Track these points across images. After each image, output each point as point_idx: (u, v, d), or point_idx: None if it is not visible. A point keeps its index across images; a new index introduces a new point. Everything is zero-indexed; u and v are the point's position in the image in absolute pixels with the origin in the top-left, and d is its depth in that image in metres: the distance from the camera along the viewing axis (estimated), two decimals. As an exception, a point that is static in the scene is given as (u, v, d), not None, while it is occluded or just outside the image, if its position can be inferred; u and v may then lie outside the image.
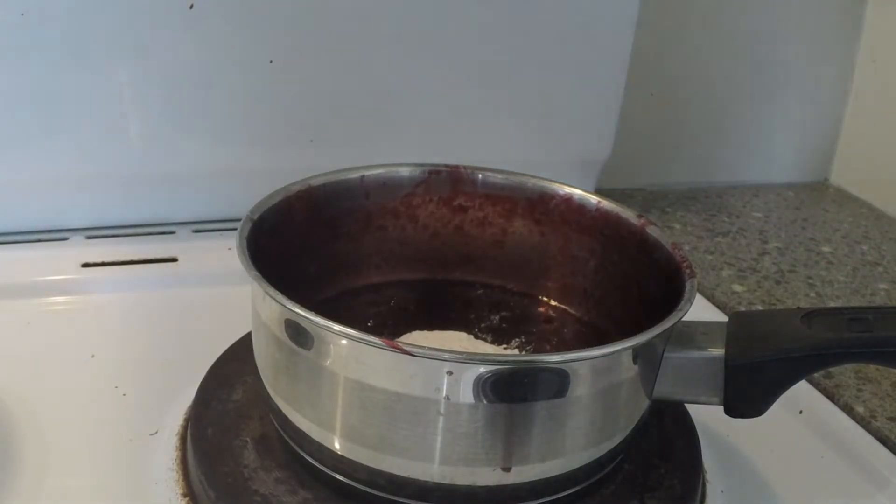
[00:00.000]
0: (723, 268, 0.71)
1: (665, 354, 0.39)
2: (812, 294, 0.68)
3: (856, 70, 0.86)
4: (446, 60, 0.66)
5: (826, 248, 0.76)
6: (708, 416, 0.47)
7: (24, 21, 0.57)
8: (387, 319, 0.50)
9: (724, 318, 0.42)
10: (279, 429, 0.41)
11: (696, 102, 0.83)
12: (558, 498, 0.39)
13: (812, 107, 0.87)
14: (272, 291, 0.37)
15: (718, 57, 0.82)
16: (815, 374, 0.54)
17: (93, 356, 0.51)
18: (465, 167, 0.50)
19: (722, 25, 0.81)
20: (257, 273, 0.38)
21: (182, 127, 0.62)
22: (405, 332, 0.48)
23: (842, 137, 0.89)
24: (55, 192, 0.62)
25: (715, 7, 0.80)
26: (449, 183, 0.50)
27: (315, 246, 0.48)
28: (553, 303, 0.51)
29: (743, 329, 0.40)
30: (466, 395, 0.35)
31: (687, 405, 0.47)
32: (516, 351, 0.49)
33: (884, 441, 0.51)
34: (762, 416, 0.41)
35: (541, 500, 0.39)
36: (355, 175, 0.48)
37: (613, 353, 0.37)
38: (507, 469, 0.37)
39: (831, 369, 0.56)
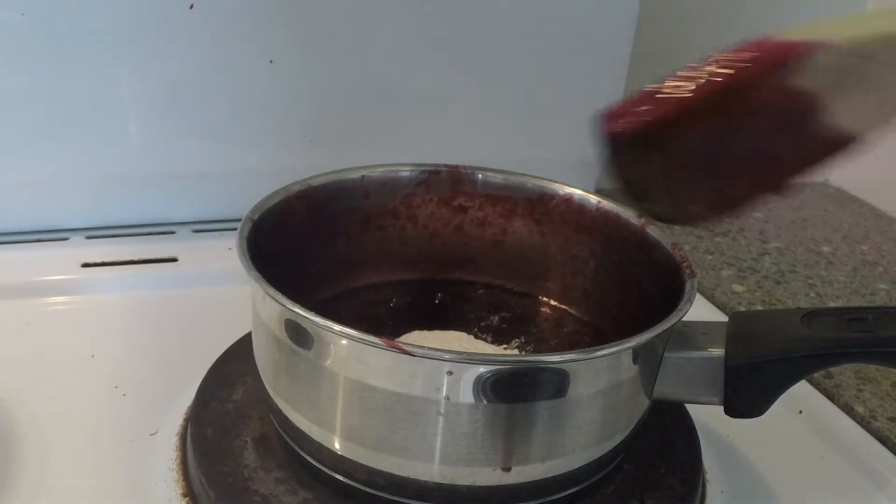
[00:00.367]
0: (723, 268, 0.71)
1: (665, 354, 0.39)
2: (812, 294, 0.68)
3: (856, 70, 0.86)
4: (446, 60, 0.66)
5: (826, 248, 0.76)
6: (708, 416, 0.47)
7: (24, 21, 0.57)
8: (387, 319, 0.50)
9: (724, 318, 0.42)
10: (279, 429, 0.41)
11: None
12: (558, 498, 0.39)
13: (812, 107, 0.87)
14: (272, 291, 0.37)
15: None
16: (815, 374, 0.54)
17: (93, 356, 0.51)
18: (465, 167, 0.50)
19: (721, 25, 0.81)
20: (257, 273, 0.38)
21: (182, 127, 0.63)
22: (405, 332, 0.48)
23: (842, 137, 0.89)
24: (55, 192, 0.62)
25: (714, 7, 0.80)
26: (449, 183, 0.50)
27: (315, 246, 0.48)
28: (553, 303, 0.51)
29: (743, 329, 0.40)
30: (466, 395, 0.35)
31: (687, 405, 0.47)
32: (516, 351, 0.49)
33: (884, 441, 0.51)
34: (762, 416, 0.41)
35: (541, 500, 0.39)
36: (355, 175, 0.48)
37: (613, 353, 0.37)
38: (507, 469, 0.37)
39: (831, 369, 0.56)
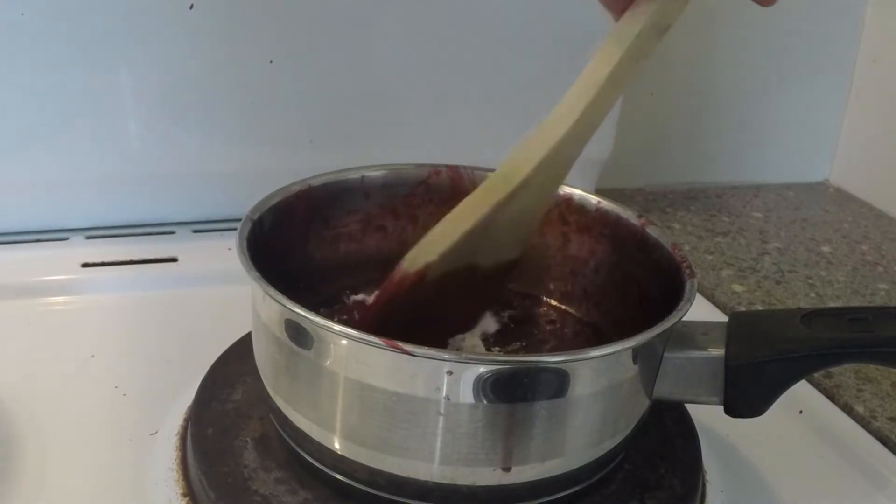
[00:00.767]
0: (723, 268, 0.71)
1: (665, 354, 0.39)
2: (812, 294, 0.68)
3: (856, 70, 0.86)
4: (446, 60, 0.66)
5: (826, 248, 0.76)
6: (708, 416, 0.47)
7: (24, 21, 0.57)
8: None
9: (724, 318, 0.42)
10: (279, 429, 0.41)
11: (696, 102, 0.84)
12: (558, 498, 0.39)
13: (812, 107, 0.87)
14: (272, 291, 0.37)
15: (718, 57, 0.82)
16: (815, 374, 0.54)
17: (93, 356, 0.51)
18: (465, 167, 0.50)
19: (721, 26, 0.81)
20: (257, 273, 0.38)
21: (182, 127, 0.62)
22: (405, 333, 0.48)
23: (842, 137, 0.89)
24: (55, 192, 0.62)
25: (714, 8, 0.80)
26: (449, 183, 0.50)
27: (315, 246, 0.48)
28: (553, 303, 0.51)
29: (743, 329, 0.40)
30: (466, 395, 0.35)
31: (687, 405, 0.47)
32: (516, 351, 0.49)
33: (884, 441, 0.51)
34: (762, 416, 0.41)
35: (541, 500, 0.39)
36: (355, 175, 0.48)
37: (613, 353, 0.37)
38: (507, 469, 0.37)
39: (831, 369, 0.56)
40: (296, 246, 0.46)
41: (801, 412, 0.52)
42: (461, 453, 0.36)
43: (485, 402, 0.35)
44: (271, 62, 0.62)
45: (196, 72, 0.61)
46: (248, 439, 0.42)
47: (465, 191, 0.50)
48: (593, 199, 0.48)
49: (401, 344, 0.34)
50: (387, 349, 0.35)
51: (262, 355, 0.41)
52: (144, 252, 0.62)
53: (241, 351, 0.48)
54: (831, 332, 0.40)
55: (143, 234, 0.64)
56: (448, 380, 0.35)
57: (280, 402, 0.40)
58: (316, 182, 0.47)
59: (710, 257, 0.72)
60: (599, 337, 0.48)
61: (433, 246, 0.41)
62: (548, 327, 0.50)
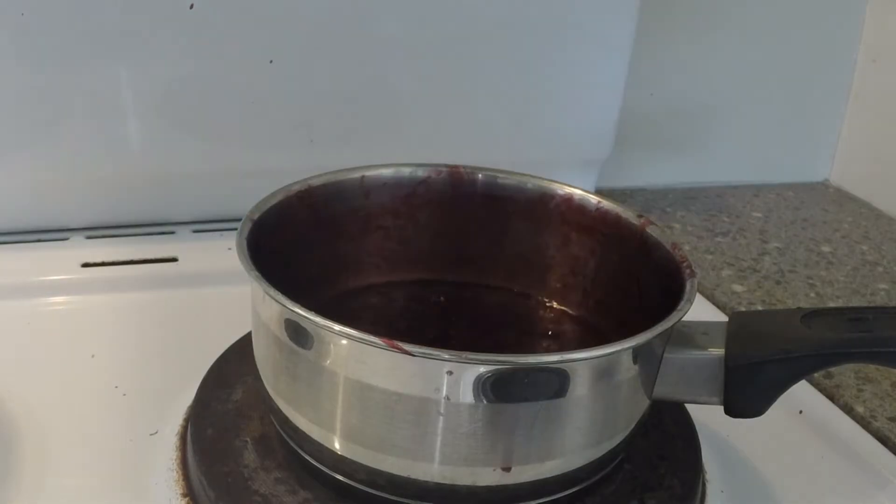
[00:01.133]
0: (723, 268, 0.71)
1: (665, 355, 0.39)
2: (812, 294, 0.68)
3: (856, 70, 0.86)
4: (446, 60, 0.66)
5: (826, 248, 0.76)
6: (708, 416, 0.47)
7: (24, 21, 0.57)
8: (387, 319, 0.50)
9: (724, 318, 0.42)
10: (279, 429, 0.41)
11: (696, 102, 0.83)
12: (558, 498, 0.39)
13: (812, 107, 0.87)
14: (272, 291, 0.37)
15: (718, 57, 0.82)
16: (815, 374, 0.54)
17: (93, 356, 0.51)
18: (465, 167, 0.50)
19: (721, 25, 0.81)
20: (257, 273, 0.38)
21: (182, 127, 0.62)
22: (405, 333, 0.48)
23: (842, 137, 0.89)
24: (55, 192, 0.63)
25: (714, 7, 0.80)
26: (449, 183, 0.50)
27: (315, 246, 0.48)
28: (553, 303, 0.51)
29: (743, 329, 0.40)
30: (466, 395, 0.35)
31: (687, 405, 0.47)
32: (516, 351, 0.49)
33: (884, 441, 0.51)
34: (762, 416, 0.41)
35: (541, 500, 0.39)
36: (355, 175, 0.48)
37: (613, 353, 0.37)
38: (507, 469, 0.37)
39: (831, 369, 0.56)
40: (296, 246, 0.46)
41: (801, 412, 0.52)
42: (461, 453, 0.36)
43: (485, 402, 0.35)
44: (271, 62, 0.62)
45: (196, 72, 0.61)
46: (248, 439, 0.42)
47: (465, 191, 0.50)
48: (593, 199, 0.48)
49: (401, 344, 0.34)
50: (387, 349, 0.35)
51: (262, 355, 0.41)
52: (144, 252, 0.61)
53: (241, 351, 0.48)
54: (831, 332, 0.40)
55: (143, 234, 0.64)
56: (448, 380, 0.35)
57: (280, 402, 0.40)
58: (316, 182, 0.47)
59: (710, 257, 0.72)
60: (599, 337, 0.48)
61: None
62: (548, 327, 0.50)
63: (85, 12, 0.57)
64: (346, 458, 0.38)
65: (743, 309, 0.64)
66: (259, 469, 0.41)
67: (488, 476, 0.37)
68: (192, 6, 0.59)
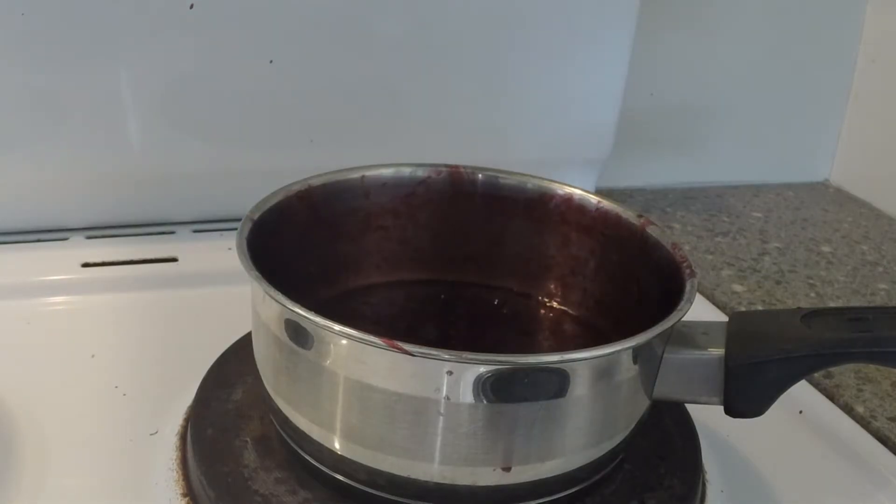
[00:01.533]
0: (723, 268, 0.71)
1: (665, 355, 0.39)
2: (812, 294, 0.68)
3: (856, 70, 0.86)
4: (446, 60, 0.66)
5: (826, 248, 0.76)
6: (708, 416, 0.47)
7: (24, 21, 0.57)
8: (387, 319, 0.50)
9: (724, 318, 0.42)
10: (279, 429, 0.41)
11: (696, 102, 0.83)
12: (558, 498, 0.39)
13: (812, 107, 0.87)
14: (272, 291, 0.37)
15: (718, 57, 0.82)
16: (815, 374, 0.54)
17: (93, 356, 0.51)
18: (465, 167, 0.50)
19: (721, 25, 0.81)
20: (257, 273, 0.38)
21: (182, 127, 0.62)
22: (405, 332, 0.48)
23: (842, 137, 0.89)
24: (55, 192, 0.62)
25: (714, 7, 0.80)
26: (449, 183, 0.50)
27: (315, 246, 0.48)
28: (553, 303, 0.51)
29: (743, 329, 0.40)
30: (466, 395, 0.35)
31: (687, 405, 0.47)
32: (516, 351, 0.49)
33: (884, 441, 0.51)
34: (762, 416, 0.41)
35: (541, 500, 0.39)
36: (355, 175, 0.48)
37: (613, 353, 0.37)
38: (507, 469, 0.37)
39: (831, 369, 0.56)
40: (296, 246, 0.46)
41: (801, 412, 0.52)
42: (461, 453, 0.36)
43: (485, 402, 0.35)
44: (271, 62, 0.62)
45: (196, 72, 0.61)
46: (248, 439, 0.42)
47: (465, 191, 0.50)
48: (593, 198, 0.48)
49: (400, 344, 0.34)
50: (387, 349, 0.35)
51: (262, 355, 0.41)
52: (144, 252, 0.61)
53: (241, 351, 0.48)
54: (831, 332, 0.40)
55: (143, 234, 0.64)
56: (448, 380, 0.35)
57: (280, 402, 0.40)
58: (316, 182, 0.47)
59: (710, 257, 0.72)
60: (599, 337, 0.48)
61: None
62: (548, 327, 0.50)
63: (85, 12, 0.57)
64: (346, 458, 0.38)
65: (743, 309, 0.64)
66: (259, 469, 0.41)
67: (488, 476, 0.37)
68: (192, 6, 0.59)
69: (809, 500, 0.46)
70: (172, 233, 0.65)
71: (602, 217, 0.48)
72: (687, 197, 0.84)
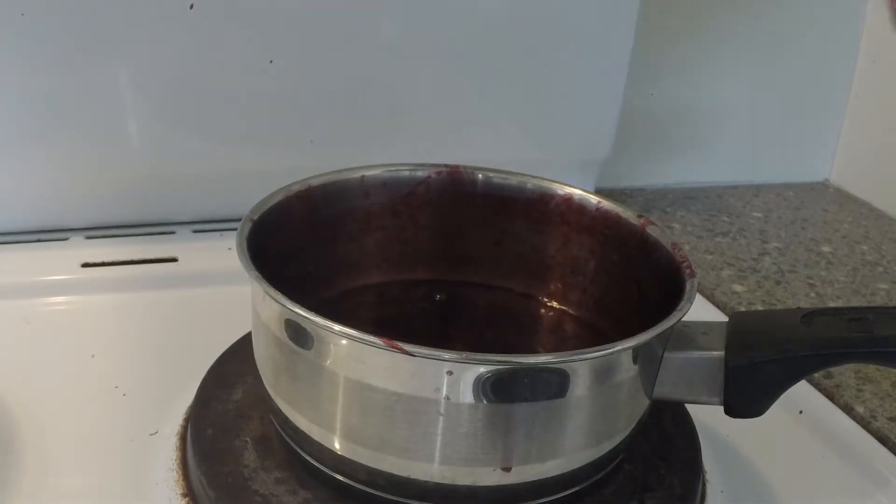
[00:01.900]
0: (723, 268, 0.71)
1: (665, 355, 0.39)
2: (812, 294, 0.68)
3: (856, 70, 0.86)
4: (446, 60, 0.66)
5: (826, 248, 0.76)
6: (708, 416, 0.47)
7: (24, 21, 0.57)
8: (387, 320, 0.50)
9: (724, 318, 0.42)
10: (279, 429, 0.41)
11: (696, 102, 0.83)
12: (558, 498, 0.39)
13: (812, 107, 0.87)
14: (272, 291, 0.37)
15: (718, 56, 0.82)
16: (815, 374, 0.54)
17: (93, 356, 0.51)
18: (465, 167, 0.50)
19: (721, 25, 0.81)
20: (257, 273, 0.38)
21: (182, 127, 0.62)
22: (405, 333, 0.48)
23: (842, 137, 0.89)
24: (55, 192, 0.63)
25: (714, 7, 0.80)
26: (449, 183, 0.50)
27: (315, 246, 0.48)
28: (553, 303, 0.51)
29: (743, 329, 0.40)
30: (466, 395, 0.35)
31: (687, 405, 0.47)
32: (516, 351, 0.49)
33: (884, 441, 0.51)
34: (762, 416, 0.41)
35: (541, 500, 0.39)
36: (355, 175, 0.48)
37: (613, 353, 0.37)
38: (507, 469, 0.37)
39: (831, 369, 0.56)
40: (296, 246, 0.46)
41: (801, 412, 0.52)
42: (461, 453, 0.36)
43: (485, 402, 0.35)
44: (271, 62, 0.62)
45: (196, 72, 0.61)
46: (248, 439, 0.42)
47: (465, 191, 0.50)
48: (593, 199, 0.48)
49: (401, 344, 0.34)
50: (387, 349, 0.35)
51: (262, 355, 0.41)
52: (144, 252, 0.61)
53: (241, 351, 0.48)
54: (831, 332, 0.40)
55: (143, 234, 0.64)
56: (448, 380, 0.35)
57: (280, 402, 0.40)
58: (316, 182, 0.47)
59: (710, 257, 0.72)
60: (599, 337, 0.48)
61: None
62: (548, 327, 0.50)
63: (85, 13, 0.57)
64: (346, 458, 0.38)
65: (743, 309, 0.64)
66: (259, 469, 0.41)
67: (488, 476, 0.37)
68: (192, 6, 0.59)
69: (809, 500, 0.46)
70: (172, 233, 0.65)
71: (602, 217, 0.48)
72: (687, 197, 0.84)
